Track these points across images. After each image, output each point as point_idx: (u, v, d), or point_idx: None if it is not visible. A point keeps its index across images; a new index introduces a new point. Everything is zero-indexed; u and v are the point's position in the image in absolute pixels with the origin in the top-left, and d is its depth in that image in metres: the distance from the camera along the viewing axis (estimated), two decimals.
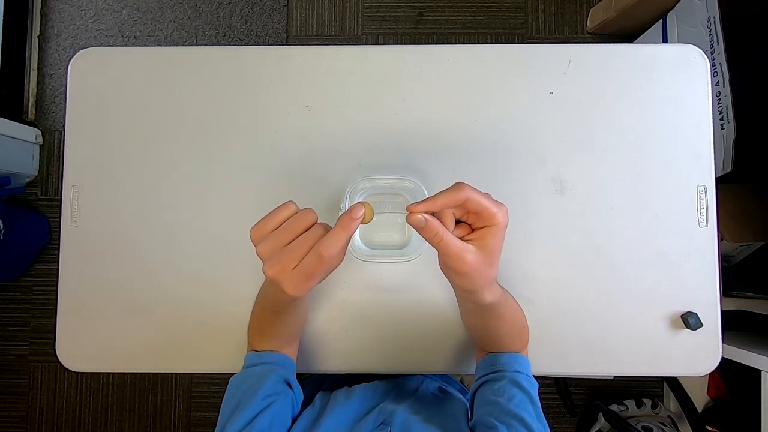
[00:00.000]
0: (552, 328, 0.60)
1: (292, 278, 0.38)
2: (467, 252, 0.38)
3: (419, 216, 0.37)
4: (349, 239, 0.39)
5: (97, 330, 0.61)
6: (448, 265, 0.40)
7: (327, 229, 0.39)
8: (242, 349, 0.59)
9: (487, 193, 0.39)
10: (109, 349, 0.61)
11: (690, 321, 0.58)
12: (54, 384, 1.42)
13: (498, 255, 0.40)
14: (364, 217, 0.38)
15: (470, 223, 0.40)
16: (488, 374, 0.50)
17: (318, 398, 0.54)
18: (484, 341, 0.53)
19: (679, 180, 0.60)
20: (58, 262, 0.61)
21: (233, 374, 0.51)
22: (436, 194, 0.38)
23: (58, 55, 1.47)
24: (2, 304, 1.42)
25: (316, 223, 0.40)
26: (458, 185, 0.38)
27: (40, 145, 1.44)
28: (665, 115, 0.61)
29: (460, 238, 0.39)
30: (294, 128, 0.62)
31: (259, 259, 0.39)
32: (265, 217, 0.40)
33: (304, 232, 0.39)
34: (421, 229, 0.38)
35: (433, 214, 0.38)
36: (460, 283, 0.41)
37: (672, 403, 1.30)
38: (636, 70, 0.61)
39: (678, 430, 1.24)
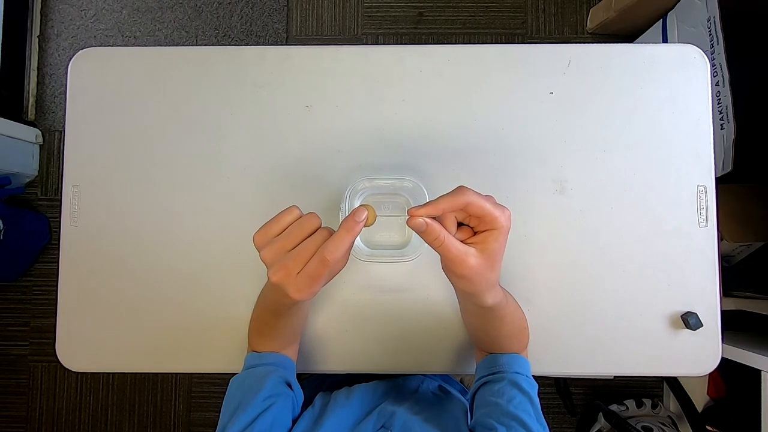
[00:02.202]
0: (552, 328, 0.60)
1: (296, 283, 0.38)
2: (468, 256, 0.38)
3: (420, 219, 0.37)
4: (353, 242, 0.39)
5: (97, 330, 0.61)
6: (449, 269, 0.40)
7: (330, 232, 0.39)
8: (242, 349, 0.59)
9: (490, 196, 0.39)
10: (109, 349, 0.61)
11: (690, 321, 0.58)
12: (54, 384, 1.42)
13: (500, 258, 0.40)
14: (367, 220, 0.38)
15: (472, 226, 0.40)
16: (488, 375, 0.50)
17: (318, 399, 0.54)
18: (484, 342, 0.53)
19: (679, 180, 0.60)
20: (58, 262, 0.61)
21: (234, 374, 0.51)
22: (438, 198, 0.38)
23: (58, 55, 1.47)
24: (2, 304, 1.42)
25: (319, 227, 0.40)
26: (460, 189, 0.38)
27: (40, 145, 1.44)
28: (665, 115, 0.61)
29: (461, 242, 0.39)
30: (294, 128, 0.62)
31: (261, 262, 0.39)
32: (268, 222, 0.40)
33: (308, 237, 0.39)
34: (422, 233, 0.38)
35: (434, 218, 0.38)
36: (462, 286, 0.42)
37: (672, 403, 1.30)
38: (636, 70, 0.61)
39: (678, 430, 1.24)
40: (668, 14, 1.19)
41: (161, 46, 1.34)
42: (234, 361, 0.60)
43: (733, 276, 1.06)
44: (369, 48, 0.63)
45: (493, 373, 0.50)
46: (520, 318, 0.52)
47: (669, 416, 1.27)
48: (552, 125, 0.61)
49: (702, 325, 0.58)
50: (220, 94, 0.62)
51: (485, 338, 0.52)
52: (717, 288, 0.60)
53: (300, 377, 0.55)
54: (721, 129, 0.96)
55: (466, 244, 0.39)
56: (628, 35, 1.37)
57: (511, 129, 0.61)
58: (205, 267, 0.61)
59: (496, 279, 0.42)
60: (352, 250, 0.54)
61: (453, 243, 0.38)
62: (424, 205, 0.38)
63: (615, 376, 1.30)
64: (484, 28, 1.46)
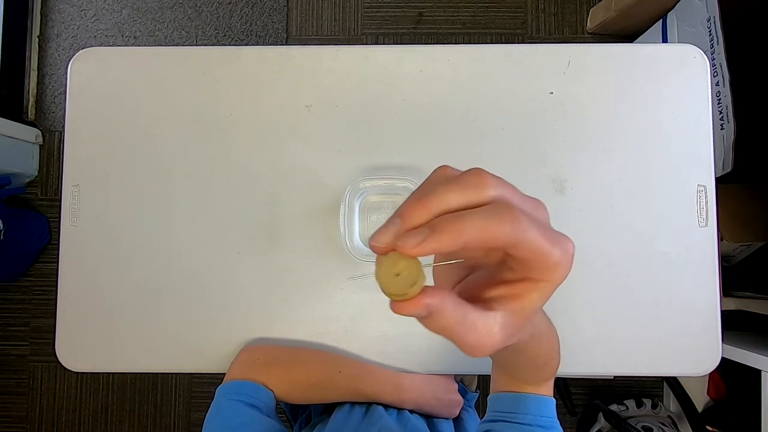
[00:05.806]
0: None
1: None
2: (493, 330, 0.22)
3: (424, 302, 0.20)
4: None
5: (97, 330, 0.61)
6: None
7: None
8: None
9: (538, 202, 0.23)
10: (109, 349, 0.61)
11: None
12: (54, 384, 1.42)
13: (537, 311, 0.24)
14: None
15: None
16: (506, 414, 0.44)
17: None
18: (498, 365, 0.45)
19: (679, 180, 0.60)
20: (58, 262, 0.61)
21: None
22: (455, 219, 0.20)
23: (58, 55, 1.46)
24: (2, 304, 1.42)
25: None
26: (504, 206, 0.20)
27: (40, 145, 1.44)
28: (665, 115, 0.61)
29: (471, 299, 0.22)
30: (294, 128, 0.62)
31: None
32: None
33: None
34: (421, 318, 0.21)
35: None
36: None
37: (672, 403, 1.30)
38: (636, 70, 0.61)
39: (678, 430, 1.24)
40: (668, 14, 1.19)
41: (161, 46, 1.35)
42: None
43: (733, 276, 1.06)
44: (369, 48, 0.63)
45: (517, 422, 0.43)
46: (549, 341, 0.37)
47: (669, 416, 1.27)
48: (552, 125, 0.61)
49: None
50: (220, 94, 0.62)
51: (500, 362, 0.43)
52: (717, 288, 0.59)
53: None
54: (721, 129, 0.96)
55: (486, 301, 0.23)
56: (628, 35, 1.37)
57: (511, 129, 0.61)
58: (205, 267, 0.61)
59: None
60: (352, 251, 0.55)
61: (465, 328, 0.21)
62: (420, 231, 0.20)
63: (615, 376, 1.30)
64: (484, 28, 1.46)
